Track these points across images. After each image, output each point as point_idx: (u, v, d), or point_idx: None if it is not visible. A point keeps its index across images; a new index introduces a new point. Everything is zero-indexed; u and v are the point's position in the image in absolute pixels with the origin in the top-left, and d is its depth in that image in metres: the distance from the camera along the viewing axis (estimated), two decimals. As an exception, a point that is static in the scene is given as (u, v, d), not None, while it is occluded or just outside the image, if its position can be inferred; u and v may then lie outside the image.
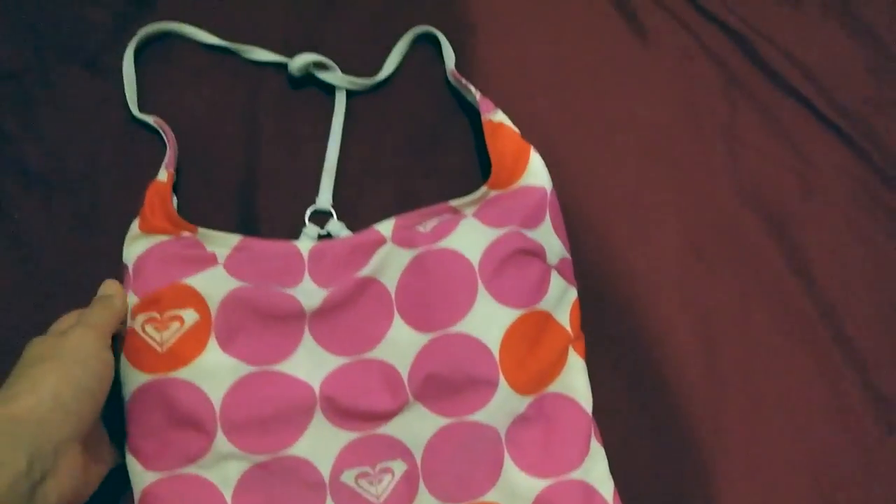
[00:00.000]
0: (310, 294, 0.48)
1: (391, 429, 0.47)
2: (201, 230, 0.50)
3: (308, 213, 0.53)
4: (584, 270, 0.53)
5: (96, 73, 0.57)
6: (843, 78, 0.60)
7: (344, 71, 0.57)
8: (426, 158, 0.56)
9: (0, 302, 0.51)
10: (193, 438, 0.45)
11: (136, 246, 0.48)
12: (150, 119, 0.54)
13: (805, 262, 0.55)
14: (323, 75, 0.56)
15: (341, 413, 0.46)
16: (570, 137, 0.57)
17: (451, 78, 0.57)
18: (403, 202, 0.53)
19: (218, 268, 0.48)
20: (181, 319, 0.45)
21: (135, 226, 0.49)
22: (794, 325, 0.53)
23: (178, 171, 0.53)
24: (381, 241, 0.50)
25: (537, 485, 0.45)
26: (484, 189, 0.51)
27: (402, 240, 0.49)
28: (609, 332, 0.52)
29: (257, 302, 0.47)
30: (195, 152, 0.55)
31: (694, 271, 0.54)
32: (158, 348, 0.45)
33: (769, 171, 0.57)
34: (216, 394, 0.45)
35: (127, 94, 0.56)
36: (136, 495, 0.45)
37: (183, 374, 0.45)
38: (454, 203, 0.51)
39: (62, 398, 0.38)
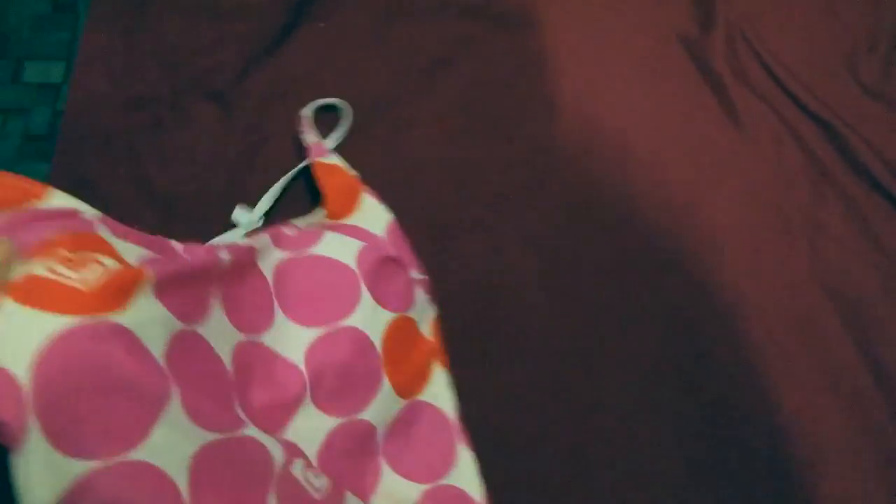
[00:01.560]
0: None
1: (291, 432, 0.45)
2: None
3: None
4: (673, 360, 0.55)
5: (222, 106, 0.63)
6: (928, 176, 0.60)
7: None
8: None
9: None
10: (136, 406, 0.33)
11: None
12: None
13: (877, 355, 0.55)
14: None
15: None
16: (667, 216, 0.60)
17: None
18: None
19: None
20: (101, 263, 0.36)
21: None
22: (861, 416, 0.54)
23: None
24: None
25: (415, 489, 0.48)
26: (323, 213, 0.54)
27: (272, 236, 0.50)
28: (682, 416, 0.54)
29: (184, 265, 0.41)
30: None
31: (765, 355, 0.55)
32: (81, 286, 0.34)
33: (849, 263, 0.58)
34: (157, 346, 0.36)
35: None
36: (62, 489, 0.31)
37: (115, 317, 0.34)
38: (295, 221, 0.54)
39: None
